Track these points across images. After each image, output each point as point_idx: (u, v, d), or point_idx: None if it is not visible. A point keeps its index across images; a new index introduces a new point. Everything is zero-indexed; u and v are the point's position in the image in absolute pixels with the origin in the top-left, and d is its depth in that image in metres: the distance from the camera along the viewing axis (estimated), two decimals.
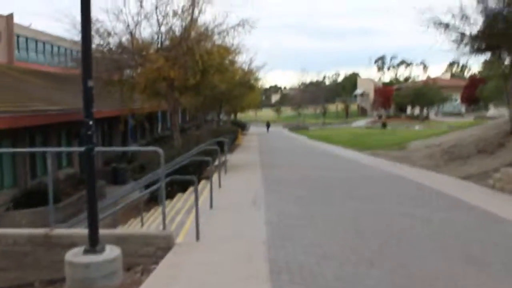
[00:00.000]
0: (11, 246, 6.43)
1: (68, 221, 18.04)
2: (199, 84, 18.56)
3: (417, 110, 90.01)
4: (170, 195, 15.22)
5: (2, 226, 16.26)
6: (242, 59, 30.02)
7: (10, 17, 27.57)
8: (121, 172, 24.91)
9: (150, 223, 12.21)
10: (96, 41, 17.12)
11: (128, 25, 17.07)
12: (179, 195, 14.88)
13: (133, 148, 17.26)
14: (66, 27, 26.26)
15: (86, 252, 5.37)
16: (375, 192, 12.03)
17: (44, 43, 31.36)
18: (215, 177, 12.38)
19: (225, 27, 17.25)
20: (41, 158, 20.19)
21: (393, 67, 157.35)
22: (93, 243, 5.38)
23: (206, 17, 28.75)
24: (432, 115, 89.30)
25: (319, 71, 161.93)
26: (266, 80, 32.51)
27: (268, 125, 69.74)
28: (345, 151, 29.76)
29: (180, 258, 6.00)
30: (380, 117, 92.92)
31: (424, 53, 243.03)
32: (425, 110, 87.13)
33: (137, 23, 17.13)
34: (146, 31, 17.71)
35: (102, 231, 5.62)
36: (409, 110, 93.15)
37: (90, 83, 5.69)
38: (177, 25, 17.53)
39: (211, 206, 9.90)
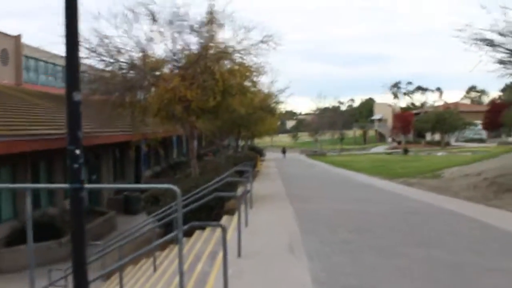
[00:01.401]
0: None
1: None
2: (218, 106, 16.75)
3: (437, 136, 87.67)
4: (188, 233, 13.30)
5: None
6: (263, 80, 28.23)
7: (18, 38, 26.24)
8: (133, 201, 23.07)
9: (164, 268, 10.24)
10: (103, 58, 15.43)
11: (139, 42, 15.38)
12: (197, 232, 12.94)
13: (143, 185, 15.31)
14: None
15: None
16: (434, 233, 9.94)
17: (54, 65, 29.93)
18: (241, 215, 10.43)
19: (247, 43, 15.43)
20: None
21: (409, 93, 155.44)
22: None
23: (226, 33, 26.92)
24: (452, 141, 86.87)
25: (335, 97, 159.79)
26: (287, 104, 30.83)
27: (284, 151, 67.77)
28: (373, 179, 27.65)
29: None
30: (399, 143, 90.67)
31: (439, 79, 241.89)
32: (446, 136, 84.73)
33: (150, 40, 15.44)
34: (159, 48, 15.87)
35: None
36: (428, 136, 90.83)
37: (77, 97, 3.69)
38: (194, 42, 15.81)
39: (239, 253, 7.93)
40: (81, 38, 14.12)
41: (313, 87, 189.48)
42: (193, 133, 16.87)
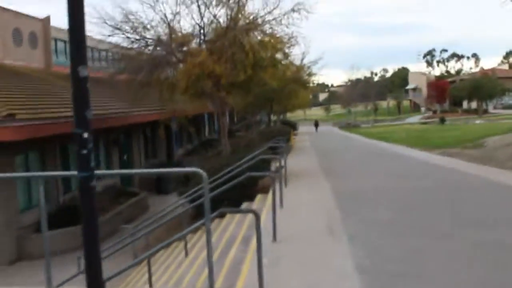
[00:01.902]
0: None
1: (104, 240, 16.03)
2: (249, 80, 16.12)
3: (473, 104, 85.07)
4: (220, 214, 12.85)
5: (28, 252, 14.42)
6: (295, 52, 27.31)
7: (46, 20, 25.88)
8: (165, 181, 22.78)
9: (196, 253, 9.79)
10: (128, 36, 14.96)
11: (165, 16, 14.81)
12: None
13: (166, 170, 14.73)
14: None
15: None
16: (485, 211, 9.17)
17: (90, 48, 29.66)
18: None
19: (277, 12, 14.66)
20: (75, 169, 18.24)
21: (443, 61, 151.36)
22: None
23: (255, 3, 26.05)
24: (490, 109, 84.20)
25: (368, 67, 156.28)
26: (320, 76, 29.42)
27: (316, 125, 66.25)
28: (411, 151, 26.67)
29: None
30: (434, 112, 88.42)
31: (475, 46, 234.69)
32: (483, 103, 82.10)
33: (176, 13, 14.85)
34: (186, 23, 15.29)
35: None
36: (465, 104, 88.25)
37: (83, 72, 3.05)
38: (222, 14, 15.14)
39: (274, 238, 7.39)
40: (105, 15, 13.67)
41: (345, 59, 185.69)
42: (224, 110, 16.32)
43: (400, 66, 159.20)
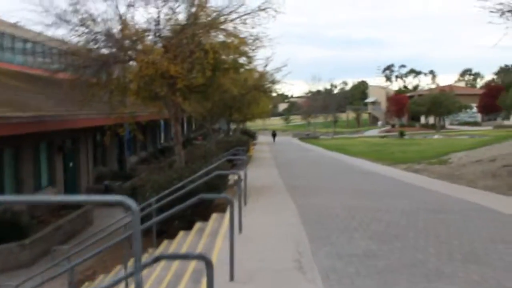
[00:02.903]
0: None
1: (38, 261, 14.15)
2: (208, 85, 14.64)
3: (431, 119, 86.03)
4: (170, 234, 11.29)
5: None
6: (259, 56, 25.85)
7: None
8: (115, 191, 20.97)
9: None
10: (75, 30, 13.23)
11: (117, 7, 13.17)
12: (181, 234, 10.93)
13: (82, 197, 13.08)
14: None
15: None
16: (477, 241, 7.90)
17: (28, 42, 27.44)
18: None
19: (243, 10, 13.20)
20: (10, 176, 16.27)
21: (401, 76, 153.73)
22: None
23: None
24: (447, 124, 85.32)
25: (329, 80, 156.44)
26: (284, 84, 27.67)
27: (274, 135, 64.56)
28: (375, 165, 25.72)
29: None
30: (393, 126, 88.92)
31: (432, 63, 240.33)
32: (440, 119, 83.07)
33: (130, 5, 13.21)
34: (141, 18, 13.61)
35: None
36: (423, 119, 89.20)
37: None
38: (182, 10, 13.57)
39: (231, 276, 5.91)
40: (48, 3, 11.92)
41: (304, 71, 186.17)
42: (178, 116, 14.72)
43: (359, 80, 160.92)
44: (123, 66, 14.59)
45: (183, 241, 10.16)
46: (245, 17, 13.38)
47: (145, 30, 13.06)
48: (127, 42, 13.31)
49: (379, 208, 11.10)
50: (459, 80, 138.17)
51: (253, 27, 13.48)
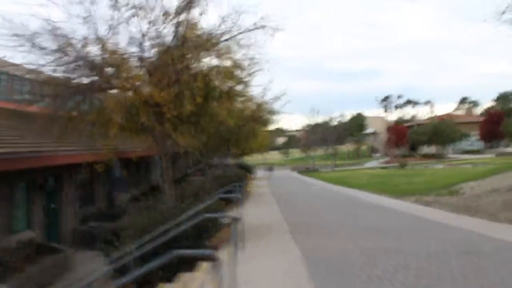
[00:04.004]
0: None
1: None
2: (200, 114, 13.22)
3: (432, 149, 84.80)
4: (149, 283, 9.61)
5: None
6: (256, 83, 24.48)
7: None
8: (100, 234, 19.19)
9: None
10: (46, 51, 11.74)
11: (97, 31, 11.73)
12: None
13: None
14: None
15: None
16: None
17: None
18: (226, 261, 6.82)
19: (236, 30, 11.77)
20: None
21: (399, 106, 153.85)
22: None
23: (210, 20, 22.95)
24: (448, 153, 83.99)
25: (329, 112, 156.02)
26: (283, 114, 26.26)
27: (271, 169, 61.56)
28: (382, 198, 24.06)
29: None
30: (396, 156, 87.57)
31: (429, 92, 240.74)
32: (441, 148, 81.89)
33: (112, 28, 11.77)
34: (123, 40, 12.08)
35: None
36: (423, 148, 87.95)
37: None
38: (169, 33, 12.13)
39: None
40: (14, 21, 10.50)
41: (301, 105, 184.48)
42: (167, 149, 13.16)
43: (356, 111, 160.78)
44: (105, 95, 13.13)
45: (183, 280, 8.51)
46: (239, 36, 12.01)
47: (126, 54, 11.57)
48: (108, 68, 11.85)
49: (400, 249, 9.44)
50: (457, 109, 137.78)
51: (248, 47, 12.11)
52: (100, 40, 11.57)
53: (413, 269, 7.77)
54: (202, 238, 10.87)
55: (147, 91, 10.69)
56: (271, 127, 32.43)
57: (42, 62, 12.22)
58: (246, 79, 13.49)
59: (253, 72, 13.40)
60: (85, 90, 12.50)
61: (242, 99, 17.49)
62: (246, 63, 12.74)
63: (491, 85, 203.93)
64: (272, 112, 24.03)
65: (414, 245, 10.01)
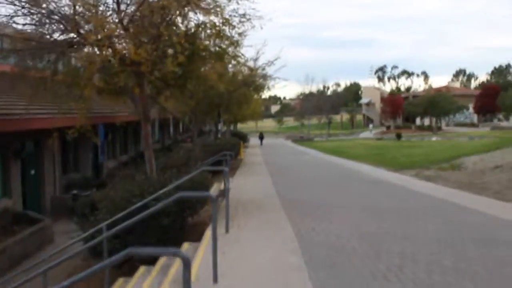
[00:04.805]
0: None
1: None
2: (187, 76, 11.89)
3: (426, 121, 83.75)
4: (130, 266, 8.51)
5: None
6: (249, 43, 23.04)
7: None
8: (83, 202, 18.00)
9: None
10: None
11: None
12: (142, 270, 8.14)
13: None
14: None
15: None
16: None
17: None
18: (208, 245, 5.66)
19: None
20: None
21: (394, 77, 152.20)
22: None
23: None
24: (443, 126, 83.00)
25: (323, 80, 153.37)
26: (277, 79, 24.60)
27: (261, 137, 59.40)
28: (379, 171, 22.97)
29: None
30: (388, 127, 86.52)
31: (425, 64, 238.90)
32: (437, 120, 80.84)
33: None
34: None
35: None
36: (418, 120, 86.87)
37: None
38: None
39: None
40: None
41: (297, 72, 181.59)
42: (148, 114, 11.83)
43: (352, 81, 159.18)
44: (81, 53, 11.73)
45: (142, 281, 7.37)
46: None
47: (100, 5, 10.11)
48: (80, 20, 10.42)
49: (406, 235, 8.28)
50: (452, 81, 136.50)
51: (238, 3, 10.71)
52: None
53: (422, 262, 6.57)
54: (185, 215, 9.72)
55: (122, 48, 9.34)
56: (265, 93, 30.97)
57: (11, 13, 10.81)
58: (237, 39, 12.04)
59: (244, 31, 11.97)
60: (56, 47, 11.10)
61: (234, 62, 16.09)
62: (236, 19, 11.30)
63: (487, 59, 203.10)
64: (265, 77, 22.60)
65: (422, 229, 8.84)
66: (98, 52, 9.77)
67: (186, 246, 8.07)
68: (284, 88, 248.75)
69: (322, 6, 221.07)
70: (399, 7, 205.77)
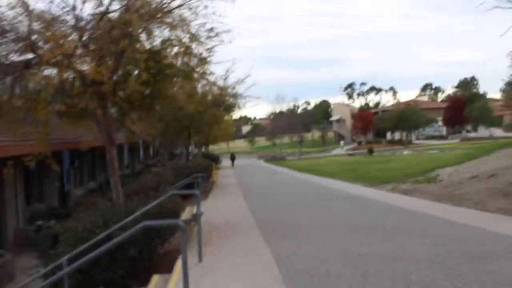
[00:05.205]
0: None
1: None
2: (153, 96, 11.26)
3: (397, 135, 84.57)
4: None
5: None
6: (218, 60, 22.39)
7: None
8: (45, 234, 17.00)
9: None
10: None
11: None
12: None
13: None
14: None
15: None
16: None
17: None
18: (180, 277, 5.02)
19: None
20: None
21: (363, 93, 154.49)
22: None
23: None
24: (414, 139, 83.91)
25: (294, 99, 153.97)
26: (248, 98, 23.90)
27: (233, 158, 58.30)
28: (355, 187, 22.57)
29: None
30: (360, 143, 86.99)
31: (391, 80, 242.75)
32: (407, 134, 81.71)
33: None
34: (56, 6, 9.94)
35: None
36: (389, 135, 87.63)
37: None
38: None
39: None
40: None
41: (265, 92, 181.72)
42: (112, 136, 11.11)
43: (321, 99, 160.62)
44: (39, 74, 10.99)
45: None
46: (195, 3, 10.06)
47: (56, 21, 9.43)
48: (35, 38, 9.72)
49: (394, 255, 7.74)
50: (420, 95, 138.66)
51: (204, 17, 10.17)
52: (23, 4, 9.45)
53: (415, 284, 6.06)
54: (154, 244, 9.00)
55: (82, 66, 8.70)
56: (236, 113, 30.44)
57: None
58: (205, 55, 11.47)
59: (213, 47, 11.41)
60: (12, 68, 10.38)
61: (203, 81, 15.50)
62: (204, 34, 10.75)
63: (452, 72, 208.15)
64: (236, 95, 22.01)
65: (409, 247, 8.32)
66: (56, 73, 9.10)
67: (156, 279, 7.37)
68: (255, 108, 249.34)
69: (288, 26, 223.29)
70: (363, 27, 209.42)
